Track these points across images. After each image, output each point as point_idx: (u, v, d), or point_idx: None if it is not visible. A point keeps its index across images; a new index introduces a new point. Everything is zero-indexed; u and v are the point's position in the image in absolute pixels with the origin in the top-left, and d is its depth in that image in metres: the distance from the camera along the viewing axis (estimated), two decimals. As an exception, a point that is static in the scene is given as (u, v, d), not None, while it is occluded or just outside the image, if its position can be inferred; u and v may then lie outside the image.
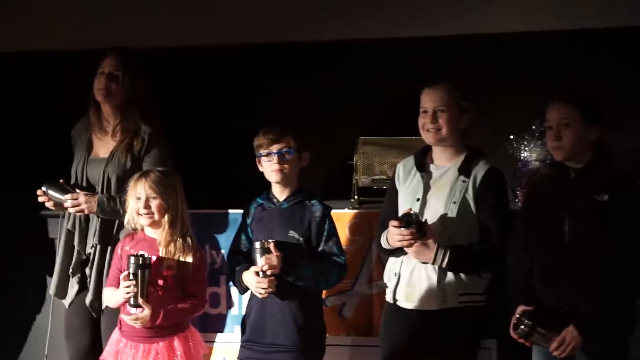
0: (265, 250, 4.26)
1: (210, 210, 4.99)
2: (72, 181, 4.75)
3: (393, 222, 4.10)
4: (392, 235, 4.12)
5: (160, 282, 4.30)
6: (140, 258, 4.22)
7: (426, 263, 4.12)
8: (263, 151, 4.41)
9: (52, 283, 4.76)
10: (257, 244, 4.29)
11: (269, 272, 4.25)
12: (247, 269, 4.34)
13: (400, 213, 4.20)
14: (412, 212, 4.12)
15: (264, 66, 5.64)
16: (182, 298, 4.32)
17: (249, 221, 4.49)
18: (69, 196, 4.61)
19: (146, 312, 4.21)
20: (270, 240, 4.30)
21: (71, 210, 4.63)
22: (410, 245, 4.09)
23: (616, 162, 4.05)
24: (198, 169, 5.13)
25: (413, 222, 4.07)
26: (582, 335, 3.80)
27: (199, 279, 4.37)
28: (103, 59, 4.76)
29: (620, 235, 3.80)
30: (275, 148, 4.39)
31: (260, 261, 4.26)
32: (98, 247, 4.65)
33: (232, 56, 5.67)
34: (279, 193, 4.45)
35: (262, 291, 4.29)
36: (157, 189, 4.34)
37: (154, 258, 4.29)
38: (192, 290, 4.34)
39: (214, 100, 5.66)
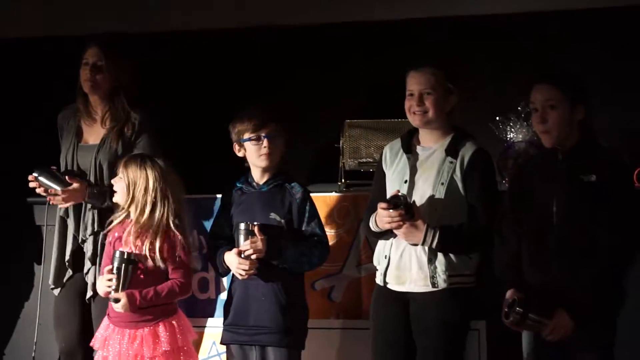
0: (250, 233, 4.27)
1: (198, 195, 4.96)
2: (62, 169, 4.73)
3: (381, 204, 4.10)
4: (381, 218, 4.12)
5: (141, 265, 4.33)
6: (125, 254, 4.28)
7: (416, 245, 4.13)
8: (249, 135, 4.39)
9: (50, 275, 4.74)
10: (242, 225, 4.30)
11: (254, 257, 4.26)
12: (229, 250, 4.35)
13: (388, 195, 4.21)
14: (400, 194, 4.12)
15: (248, 50, 5.62)
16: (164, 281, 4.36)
17: (230, 206, 4.48)
18: (59, 187, 4.58)
19: (123, 300, 4.26)
20: (255, 223, 4.31)
21: (58, 200, 4.61)
22: (399, 227, 4.10)
23: (602, 141, 4.06)
24: (186, 154, 5.11)
25: (401, 204, 4.08)
26: (574, 318, 3.81)
27: (179, 263, 4.37)
28: (86, 48, 4.73)
29: (608, 215, 3.80)
30: (264, 132, 4.38)
31: (244, 244, 4.27)
32: (99, 234, 4.65)
33: (216, 40, 5.64)
34: (259, 177, 4.46)
35: (244, 273, 4.31)
36: (124, 171, 4.39)
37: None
38: (172, 273, 4.36)
39: (198, 85, 5.64)
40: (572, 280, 3.83)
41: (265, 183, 4.45)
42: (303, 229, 4.40)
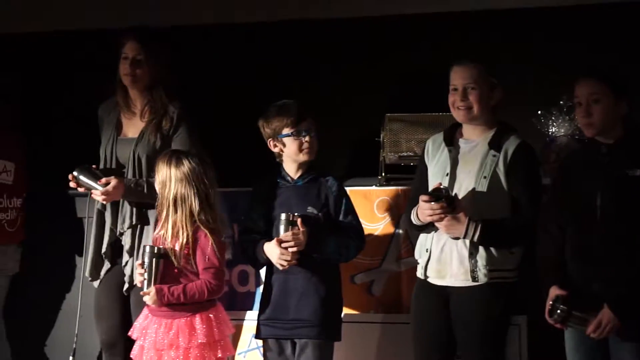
0: (291, 223, 4.29)
1: (236, 188, 4.97)
2: (102, 161, 4.77)
3: (423, 197, 4.09)
4: (423, 210, 4.11)
5: (175, 262, 4.36)
6: (154, 248, 4.32)
7: (457, 238, 4.11)
8: (289, 130, 4.41)
9: (87, 267, 4.77)
10: (283, 216, 4.32)
11: (295, 249, 4.26)
12: (269, 241, 4.36)
13: (430, 188, 4.19)
14: (442, 186, 4.11)
15: (288, 44, 5.61)
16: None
17: (264, 200, 4.49)
18: (100, 188, 4.60)
19: (151, 293, 4.30)
20: (296, 214, 4.32)
21: (99, 199, 4.64)
22: (440, 220, 4.08)
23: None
24: (225, 148, 5.12)
25: (443, 197, 4.06)
26: (618, 316, 3.78)
27: (209, 263, 4.37)
28: (125, 41, 4.75)
29: None
30: (304, 126, 4.40)
31: (285, 235, 4.28)
32: (137, 227, 4.68)
33: (255, 34, 5.64)
34: (292, 171, 4.48)
35: (285, 263, 4.32)
36: (156, 170, 4.43)
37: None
38: (203, 274, 4.37)
39: (237, 79, 5.63)
40: (616, 275, 3.80)
41: (300, 177, 4.46)
42: (340, 219, 4.41)
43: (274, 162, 4.54)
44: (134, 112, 4.79)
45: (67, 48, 5.72)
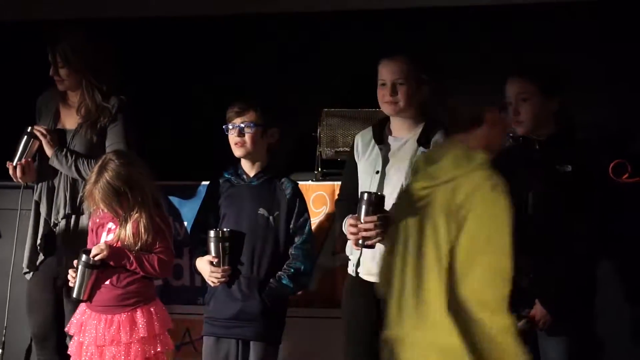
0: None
1: (174, 182, 4.97)
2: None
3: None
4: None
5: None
6: (85, 255, 4.30)
7: None
8: (229, 124, 4.40)
9: (25, 258, 4.73)
10: (212, 233, 4.31)
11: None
12: (202, 254, 4.36)
13: (360, 187, 4.18)
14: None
15: (226, 38, 5.61)
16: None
17: (217, 196, 4.47)
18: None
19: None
20: (225, 230, 4.32)
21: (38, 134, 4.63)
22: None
23: (578, 133, 4.09)
24: (161, 141, 5.10)
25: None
26: (550, 310, 3.82)
27: (162, 243, 4.40)
28: (49, 48, 4.69)
29: (583, 206, 3.81)
30: (237, 121, 4.38)
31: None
32: (71, 217, 4.65)
33: (195, 28, 5.62)
34: (248, 169, 4.45)
35: (216, 281, 4.33)
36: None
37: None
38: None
39: (176, 73, 5.62)
40: (546, 271, 3.83)
41: (255, 176, 4.43)
42: (291, 225, 4.40)
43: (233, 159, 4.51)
44: (71, 105, 4.76)
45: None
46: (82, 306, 4.41)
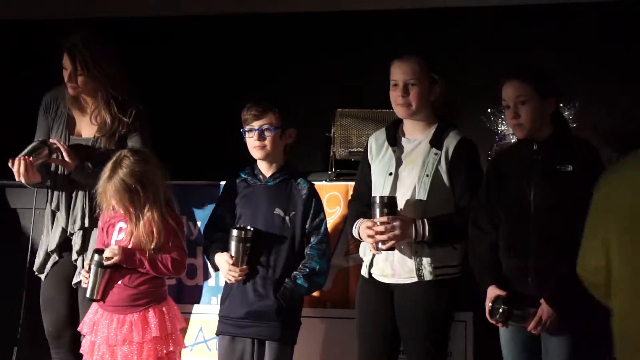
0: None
1: (188, 181, 4.97)
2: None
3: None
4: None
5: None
6: (97, 255, 4.31)
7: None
8: (246, 127, 4.39)
9: (37, 261, 4.71)
10: (235, 232, 4.29)
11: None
12: (221, 249, 4.35)
13: (374, 188, 4.19)
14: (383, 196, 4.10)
15: (241, 37, 5.61)
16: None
17: (233, 196, 4.47)
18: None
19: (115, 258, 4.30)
20: (249, 228, 4.30)
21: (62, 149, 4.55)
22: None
23: (575, 133, 4.13)
24: (175, 141, 5.11)
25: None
26: (556, 310, 3.81)
27: (174, 242, 4.40)
28: (63, 51, 4.60)
29: (586, 204, 3.80)
30: (256, 125, 4.37)
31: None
32: (88, 230, 4.63)
33: (211, 28, 5.64)
34: (265, 169, 4.44)
35: (232, 279, 4.32)
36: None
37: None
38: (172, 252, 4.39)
39: (192, 73, 5.64)
40: (550, 270, 3.83)
41: (271, 177, 4.43)
42: (307, 226, 4.40)
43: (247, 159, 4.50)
44: (85, 110, 4.70)
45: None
46: (94, 306, 4.42)
